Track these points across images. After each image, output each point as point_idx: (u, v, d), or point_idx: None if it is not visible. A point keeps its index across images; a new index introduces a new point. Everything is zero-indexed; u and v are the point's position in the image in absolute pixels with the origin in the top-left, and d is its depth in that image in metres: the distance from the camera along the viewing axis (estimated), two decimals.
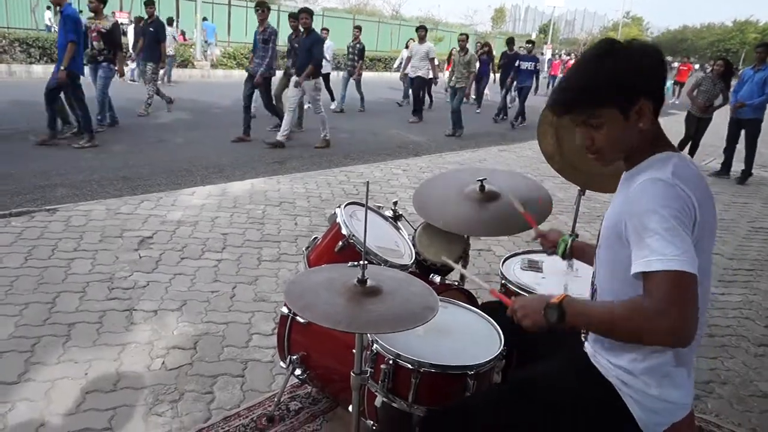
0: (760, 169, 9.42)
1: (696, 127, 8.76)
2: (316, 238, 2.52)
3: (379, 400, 1.81)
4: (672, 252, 1.23)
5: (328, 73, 12.36)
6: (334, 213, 2.35)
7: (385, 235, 2.48)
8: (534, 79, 14.29)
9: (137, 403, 2.50)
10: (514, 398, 1.61)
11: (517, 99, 13.56)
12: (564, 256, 2.03)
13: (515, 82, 13.09)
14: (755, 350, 3.40)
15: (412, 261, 2.37)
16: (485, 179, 2.35)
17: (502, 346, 1.82)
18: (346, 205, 2.41)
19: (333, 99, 12.90)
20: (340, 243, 2.24)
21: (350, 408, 1.78)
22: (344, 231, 2.24)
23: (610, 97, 1.39)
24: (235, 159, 7.36)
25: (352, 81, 12.80)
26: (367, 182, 1.52)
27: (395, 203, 2.68)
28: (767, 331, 3.67)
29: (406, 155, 8.56)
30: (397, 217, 2.62)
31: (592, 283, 1.63)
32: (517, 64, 12.67)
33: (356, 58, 12.66)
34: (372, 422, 1.97)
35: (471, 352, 1.81)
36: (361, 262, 1.55)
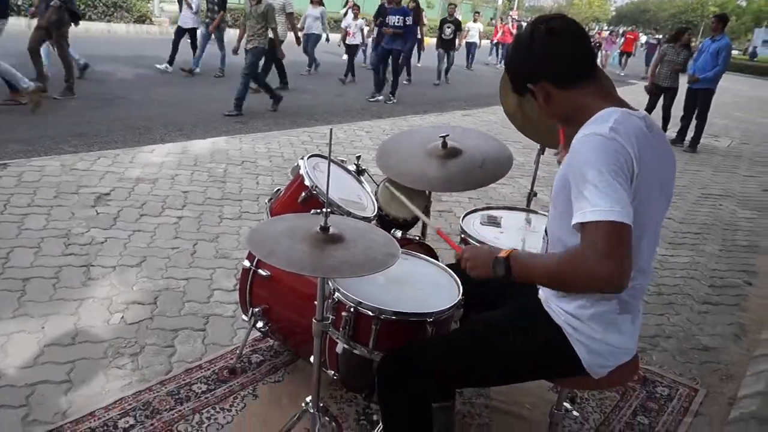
0: (712, 138, 9.73)
1: (662, 97, 8.92)
2: (279, 189, 2.52)
3: (340, 347, 1.85)
4: (605, 204, 1.30)
5: (194, 29, 10.36)
6: (297, 165, 2.35)
7: (348, 188, 2.50)
8: (409, 40, 10.29)
9: (97, 356, 2.49)
10: (468, 339, 1.67)
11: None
12: None
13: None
14: (699, 308, 3.58)
15: (374, 214, 2.40)
16: (447, 135, 2.37)
17: (460, 296, 1.88)
18: (309, 157, 2.41)
19: (171, 62, 10.28)
20: (303, 194, 2.25)
21: (312, 359, 1.82)
22: (307, 182, 2.25)
23: (516, 86, 1.63)
24: (196, 117, 7.21)
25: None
26: (330, 129, 1.52)
27: (358, 158, 2.69)
28: (711, 290, 3.86)
29: (369, 117, 8.52)
30: (360, 172, 2.63)
31: (545, 234, 1.69)
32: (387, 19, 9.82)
33: (216, 8, 10.20)
34: (333, 372, 2.02)
35: (430, 300, 1.86)
36: (324, 210, 1.57)
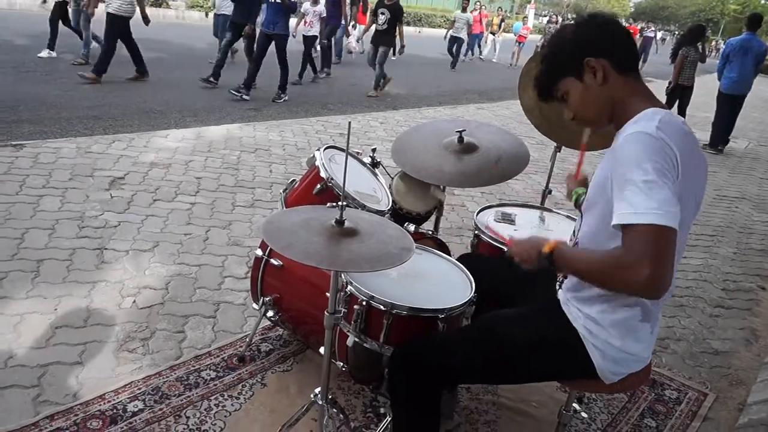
0: (730, 140, 9.61)
1: (682, 96, 8.89)
2: (294, 180, 2.51)
3: (350, 340, 1.85)
4: (648, 205, 1.24)
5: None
6: (313, 156, 2.35)
7: (364, 181, 2.49)
8: (288, 20, 7.70)
9: (108, 339, 2.51)
10: (481, 336, 1.67)
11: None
12: (576, 205, 2.04)
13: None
14: (711, 311, 3.55)
15: (388, 208, 2.39)
16: (464, 131, 2.36)
17: (473, 293, 1.87)
18: (325, 149, 2.41)
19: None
20: (319, 186, 2.24)
21: (321, 350, 1.82)
22: (323, 174, 2.24)
23: (561, 67, 1.53)
24: (210, 103, 7.22)
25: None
26: (349, 122, 1.51)
27: (374, 150, 2.67)
28: (723, 293, 3.82)
29: (384, 108, 8.49)
30: (375, 164, 2.62)
31: (574, 235, 1.66)
32: None
33: None
34: (342, 363, 2.02)
35: (442, 296, 1.85)
36: (340, 203, 1.56)
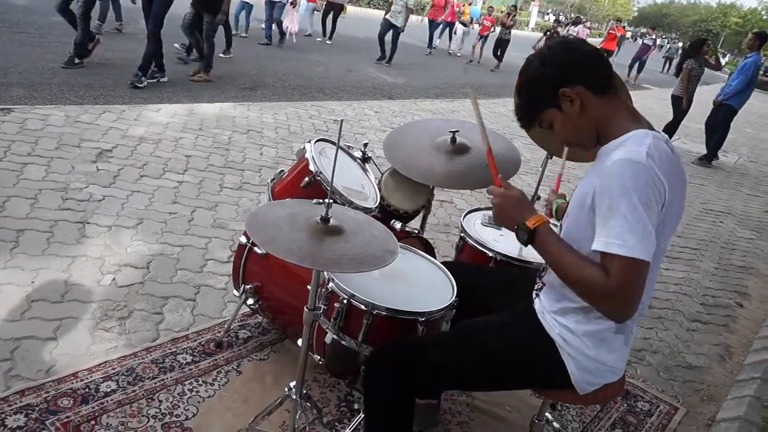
0: (720, 153, 9.66)
1: (682, 108, 8.88)
2: (282, 171, 2.49)
3: (329, 337, 1.84)
4: (632, 240, 1.30)
5: None
6: (304, 148, 2.32)
7: (352, 176, 2.47)
8: None
9: (84, 316, 2.49)
10: (460, 342, 1.68)
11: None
12: (557, 218, 2.04)
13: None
14: (688, 325, 3.58)
15: (375, 205, 2.37)
16: (458, 131, 2.34)
17: (454, 297, 1.87)
18: (316, 141, 2.38)
19: None
20: (307, 179, 2.22)
21: (299, 341, 1.81)
22: (312, 167, 2.22)
23: (538, 101, 1.52)
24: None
25: None
26: (341, 121, 1.49)
27: (365, 145, 2.65)
28: (702, 308, 3.86)
29: (380, 97, 8.43)
30: (365, 159, 2.60)
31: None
32: None
33: None
34: (319, 357, 2.02)
35: (423, 299, 1.85)
36: (326, 201, 1.55)
